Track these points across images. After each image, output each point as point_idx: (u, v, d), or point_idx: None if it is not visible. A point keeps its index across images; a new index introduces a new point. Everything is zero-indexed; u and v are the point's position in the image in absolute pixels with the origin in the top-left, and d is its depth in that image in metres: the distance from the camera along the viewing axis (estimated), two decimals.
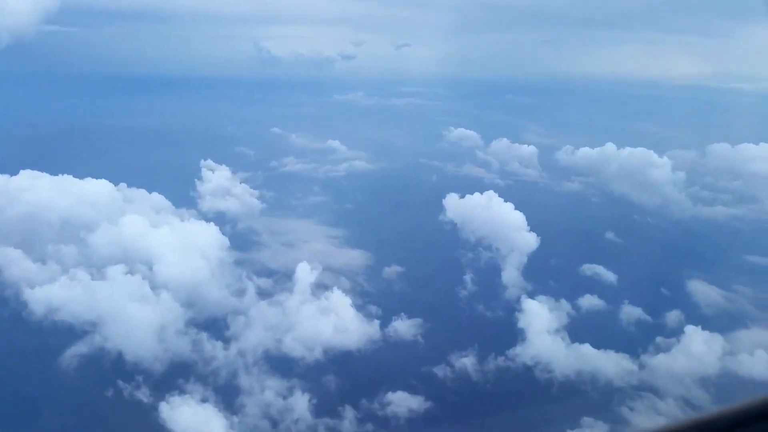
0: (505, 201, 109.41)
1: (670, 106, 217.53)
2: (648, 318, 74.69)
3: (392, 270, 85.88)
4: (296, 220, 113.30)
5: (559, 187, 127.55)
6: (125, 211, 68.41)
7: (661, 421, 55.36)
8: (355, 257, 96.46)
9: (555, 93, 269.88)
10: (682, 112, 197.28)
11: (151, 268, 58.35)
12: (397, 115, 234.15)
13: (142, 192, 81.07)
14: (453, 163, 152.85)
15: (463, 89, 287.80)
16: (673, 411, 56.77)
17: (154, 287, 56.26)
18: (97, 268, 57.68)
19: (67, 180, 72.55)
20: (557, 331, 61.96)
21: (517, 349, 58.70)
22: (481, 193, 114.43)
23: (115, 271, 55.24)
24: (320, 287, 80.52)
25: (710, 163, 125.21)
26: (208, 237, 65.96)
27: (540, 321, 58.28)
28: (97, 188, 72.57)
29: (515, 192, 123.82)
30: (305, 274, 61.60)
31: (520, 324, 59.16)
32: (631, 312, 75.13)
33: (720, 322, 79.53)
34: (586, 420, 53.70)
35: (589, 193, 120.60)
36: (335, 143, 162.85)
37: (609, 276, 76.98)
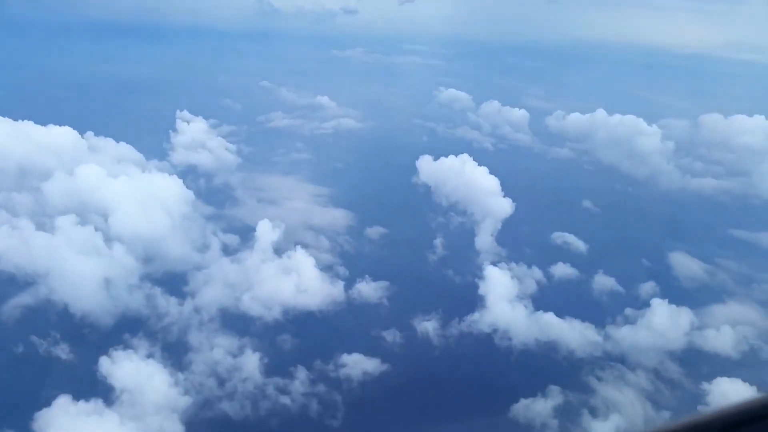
0: (493, 165, 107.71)
1: (672, 74, 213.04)
2: (620, 289, 73.83)
3: (375, 231, 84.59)
4: (278, 177, 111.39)
5: (546, 153, 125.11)
6: (88, 160, 66.32)
7: (627, 392, 54.96)
8: (338, 217, 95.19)
9: (559, 56, 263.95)
10: (683, 81, 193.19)
11: (106, 220, 56.84)
12: (395, 73, 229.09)
13: (109, 141, 78.83)
14: (444, 124, 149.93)
15: (466, 49, 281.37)
16: (640, 382, 56.32)
17: (108, 239, 54.89)
18: (49, 218, 56.07)
19: (27, 126, 70.24)
20: (520, 298, 61.05)
21: (480, 316, 57.78)
22: (472, 157, 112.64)
23: (65, 221, 53.71)
24: (298, 245, 79.88)
25: (702, 134, 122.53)
26: (171, 190, 64.14)
27: (501, 288, 57.17)
28: (59, 136, 70.30)
29: (501, 156, 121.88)
30: (266, 231, 60.01)
31: (481, 291, 58.03)
32: (604, 282, 74.19)
33: (697, 296, 78.72)
34: (553, 388, 53.32)
35: (575, 160, 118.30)
36: (324, 99, 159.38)
37: (579, 245, 75.58)
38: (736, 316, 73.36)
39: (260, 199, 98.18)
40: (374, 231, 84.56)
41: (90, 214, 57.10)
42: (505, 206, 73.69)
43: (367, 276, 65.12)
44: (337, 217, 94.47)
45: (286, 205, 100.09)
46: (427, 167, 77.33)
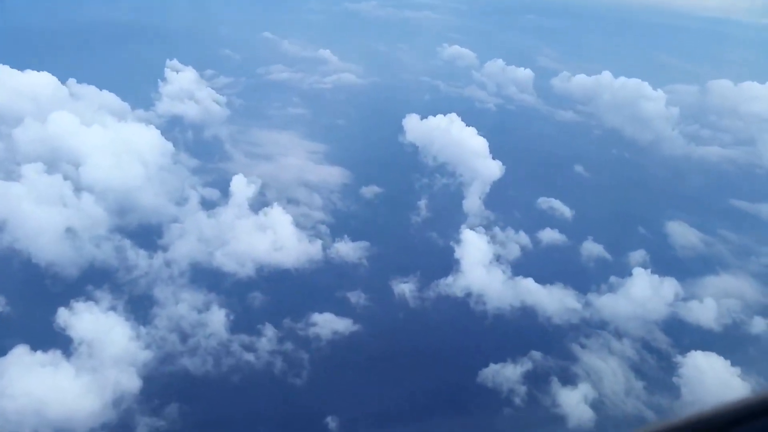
0: (492, 126, 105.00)
1: (689, 37, 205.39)
2: (608, 256, 72.43)
3: (370, 190, 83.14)
4: (272, 132, 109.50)
5: (550, 116, 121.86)
6: (67, 108, 64.74)
7: (599, 361, 54.24)
8: (333, 174, 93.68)
9: (577, 16, 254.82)
10: (699, 45, 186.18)
11: (77, 169, 55.72)
12: (403, 28, 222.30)
13: (92, 89, 76.96)
14: (447, 82, 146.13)
15: (484, 6, 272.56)
16: (614, 352, 55.53)
17: (78, 189, 53.90)
18: (17, 165, 54.96)
19: (2, 71, 68.32)
20: (500, 263, 59.88)
21: (456, 280, 56.75)
22: (472, 117, 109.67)
23: (31, 169, 52.64)
24: (291, 202, 78.78)
25: (710, 100, 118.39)
26: (149, 141, 62.64)
27: (477, 252, 55.90)
28: (37, 81, 68.48)
29: (502, 117, 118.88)
30: (241, 187, 58.70)
31: (457, 254, 56.79)
32: (591, 249, 72.78)
33: (691, 267, 77.29)
34: (535, 354, 52.65)
35: (578, 123, 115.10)
36: (326, 53, 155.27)
37: (565, 211, 73.75)
38: (727, 288, 71.96)
39: (251, 153, 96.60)
40: (369, 190, 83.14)
41: (61, 162, 56.10)
42: (494, 169, 71.67)
43: (346, 236, 64.01)
44: (332, 175, 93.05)
45: (280, 161, 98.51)
46: (415, 126, 75.00)
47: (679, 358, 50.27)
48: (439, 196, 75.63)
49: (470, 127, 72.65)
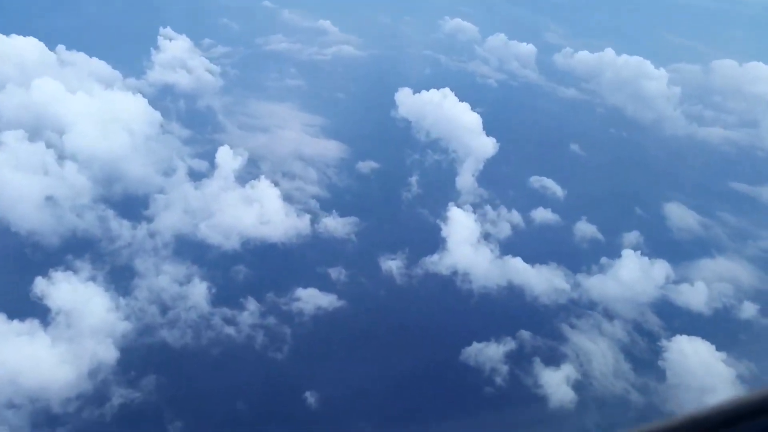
0: (491, 102, 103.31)
1: (692, 15, 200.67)
2: (601, 237, 71.70)
3: (367, 165, 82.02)
4: (268, 103, 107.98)
5: (551, 93, 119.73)
6: (54, 75, 63.40)
7: (583, 342, 53.90)
8: (329, 148, 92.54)
9: None
10: (702, 23, 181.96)
11: (60, 137, 54.78)
12: (406, 0, 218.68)
13: (82, 56, 75.45)
14: (449, 56, 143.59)
15: None
16: (599, 333, 55.12)
17: (62, 157, 53.08)
18: None
19: None
20: (488, 242, 59.24)
21: (443, 258, 56.15)
22: (474, 92, 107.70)
23: (12, 136, 51.70)
24: (285, 176, 77.90)
25: (713, 80, 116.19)
26: (136, 110, 61.49)
27: (464, 231, 55.14)
28: (23, 47, 66.98)
29: (503, 93, 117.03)
30: (227, 159, 57.76)
31: (444, 233, 56.08)
32: (585, 229, 71.99)
33: (686, 249, 76.70)
34: (521, 334, 52.31)
35: (579, 101, 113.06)
36: (327, 24, 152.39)
37: (557, 190, 72.69)
38: (721, 272, 71.43)
39: (246, 125, 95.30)
40: (366, 165, 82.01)
41: (44, 130, 55.13)
42: (488, 145, 70.47)
43: (335, 211, 63.29)
44: (329, 149, 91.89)
45: (276, 133, 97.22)
46: (408, 100, 73.52)
47: (663, 342, 49.82)
48: (431, 172, 74.66)
49: (464, 103, 71.05)
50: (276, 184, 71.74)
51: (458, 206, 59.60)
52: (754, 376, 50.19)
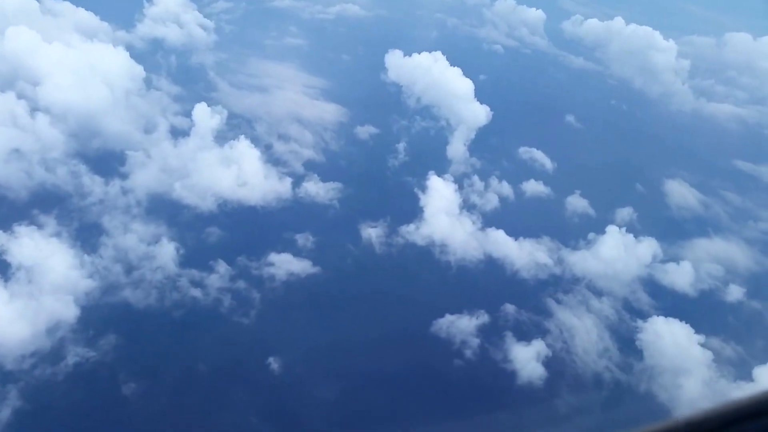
0: (493, 69, 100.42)
1: None
2: (592, 212, 70.04)
3: (365, 130, 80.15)
4: (265, 62, 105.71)
5: (556, 61, 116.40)
6: (35, 23, 61.53)
7: (558, 319, 52.81)
8: (328, 111, 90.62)
9: None
10: None
11: (34, 88, 53.40)
12: None
13: (67, 5, 73.40)
14: (460, 20, 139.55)
15: None
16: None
17: (34, 109, 51.83)
18: None
19: None
20: (472, 213, 57.84)
21: (424, 228, 54.90)
22: (478, 57, 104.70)
23: None
24: (281, 138, 76.39)
25: (727, 54, 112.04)
26: (117, 64, 59.82)
27: (444, 202, 53.72)
28: None
29: (507, 60, 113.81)
30: (204, 117, 56.23)
31: (423, 202, 54.68)
32: (576, 204, 70.36)
33: (682, 227, 75.02)
34: (509, 307, 51.40)
35: (585, 70, 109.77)
36: None
37: (546, 162, 70.64)
38: (716, 253, 69.84)
39: (242, 84, 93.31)
40: (365, 130, 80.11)
41: (16, 81, 53.76)
42: (481, 113, 68.32)
43: (319, 176, 61.97)
44: (328, 112, 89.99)
45: (273, 93, 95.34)
46: (398, 64, 71.10)
47: (639, 322, 48.73)
48: (421, 139, 72.83)
49: (455, 68, 68.57)
50: (270, 146, 70.81)
51: (439, 176, 57.81)
52: (731, 360, 49.20)
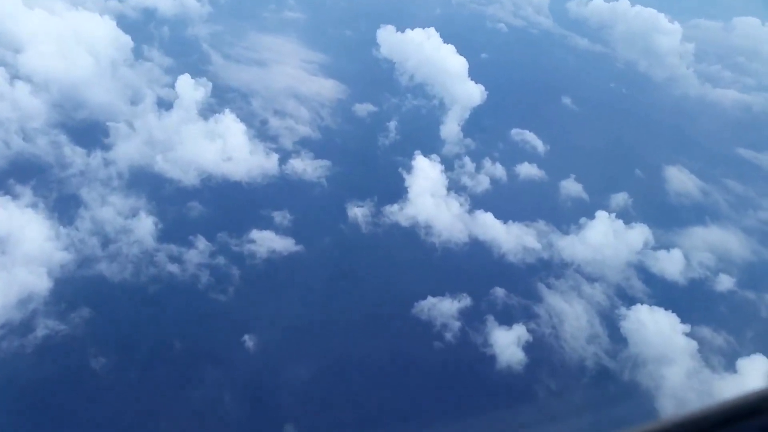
0: (497, 48, 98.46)
1: None
2: (585, 197, 68.91)
3: (364, 108, 78.78)
4: (262, 35, 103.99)
5: (560, 41, 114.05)
6: None
7: (545, 305, 52.12)
8: (326, 87, 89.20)
9: None
10: None
11: (15, 56, 52.35)
12: None
13: None
14: None
15: None
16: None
17: (14, 77, 50.82)
18: None
19: None
20: (460, 195, 56.84)
21: (409, 209, 53.99)
22: (483, 35, 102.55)
23: None
24: (276, 114, 75.21)
25: (734, 39, 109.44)
26: (103, 33, 58.56)
27: (428, 182, 52.68)
28: None
29: (511, 38, 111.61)
30: (188, 89, 55.10)
31: (408, 183, 53.69)
32: (570, 188, 69.22)
33: (679, 215, 73.90)
34: (499, 290, 50.71)
35: (585, 52, 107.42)
36: None
37: (538, 144, 69.21)
38: (711, 241, 68.78)
39: (238, 57, 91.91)
40: (363, 108, 78.77)
41: None
42: (475, 93, 66.85)
43: (303, 152, 60.96)
44: (326, 88, 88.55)
45: (270, 67, 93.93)
46: (390, 39, 69.41)
47: (623, 310, 47.97)
48: (414, 118, 71.52)
49: (453, 46, 66.85)
50: (265, 121, 69.76)
51: (426, 156, 56.68)
52: (717, 350, 48.51)
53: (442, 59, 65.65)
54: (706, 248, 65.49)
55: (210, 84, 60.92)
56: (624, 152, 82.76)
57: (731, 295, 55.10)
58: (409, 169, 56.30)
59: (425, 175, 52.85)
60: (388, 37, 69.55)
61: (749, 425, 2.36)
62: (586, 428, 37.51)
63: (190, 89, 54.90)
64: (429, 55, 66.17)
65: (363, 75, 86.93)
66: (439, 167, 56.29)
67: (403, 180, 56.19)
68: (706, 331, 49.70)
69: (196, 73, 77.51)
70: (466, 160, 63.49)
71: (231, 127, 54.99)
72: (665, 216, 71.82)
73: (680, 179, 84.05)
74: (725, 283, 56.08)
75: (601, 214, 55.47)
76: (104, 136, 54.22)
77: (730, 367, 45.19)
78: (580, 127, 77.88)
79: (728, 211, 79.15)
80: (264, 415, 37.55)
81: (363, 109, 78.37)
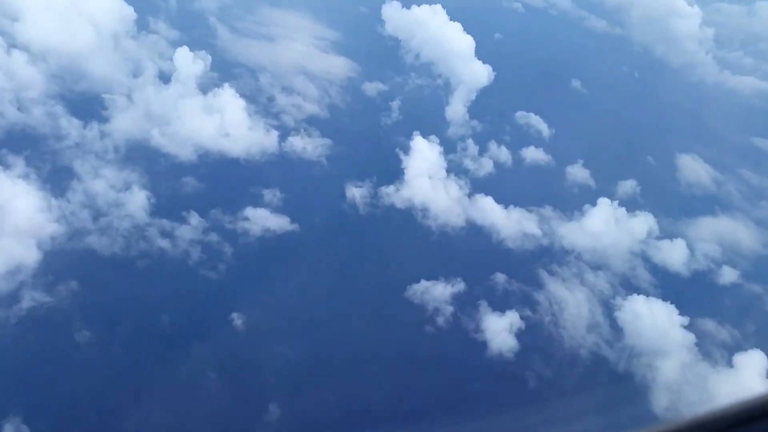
0: (510, 28, 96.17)
1: None
2: (592, 183, 67.44)
3: (374, 87, 77.49)
4: (276, 10, 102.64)
5: (577, 23, 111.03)
6: None
7: (544, 292, 51.24)
8: (337, 65, 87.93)
9: None
10: None
11: (13, 24, 51.86)
12: None
13: None
14: None
15: None
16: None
17: (11, 46, 50.45)
18: None
19: None
20: (460, 178, 55.84)
21: (406, 191, 53.14)
22: (496, 16, 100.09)
23: None
24: (284, 90, 74.34)
25: (757, 24, 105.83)
26: (105, 3, 57.76)
27: (426, 164, 51.69)
28: None
29: (525, 19, 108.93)
30: (186, 62, 54.33)
31: (406, 164, 52.74)
32: (576, 174, 67.78)
33: (689, 204, 72.26)
34: (495, 276, 50.00)
35: (604, 34, 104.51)
36: None
37: (543, 128, 67.56)
38: (722, 232, 67.22)
39: (247, 31, 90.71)
40: (373, 87, 77.48)
41: None
42: (484, 74, 65.31)
43: (303, 130, 60.15)
44: (337, 66, 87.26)
45: (281, 43, 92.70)
46: (396, 16, 67.75)
47: (618, 300, 46.99)
48: (421, 99, 70.22)
49: (455, 22, 64.97)
50: (272, 98, 68.98)
51: (425, 137, 55.56)
52: (715, 344, 47.43)
53: (449, 38, 63.98)
54: (713, 239, 63.96)
55: (209, 57, 60.14)
56: (635, 139, 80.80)
57: (734, 288, 53.80)
58: (407, 150, 55.19)
59: (423, 157, 51.75)
60: (393, 14, 67.85)
61: (760, 427, 2.30)
62: (571, 418, 36.94)
63: (188, 62, 54.14)
64: (435, 33, 64.51)
65: (376, 53, 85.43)
66: (438, 149, 55.19)
67: (400, 161, 55.12)
68: (705, 324, 48.60)
69: (203, 46, 76.91)
70: (469, 142, 62.33)
71: (230, 102, 54.30)
72: (675, 205, 70.31)
73: (693, 168, 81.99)
74: (729, 275, 54.73)
75: (604, 201, 54.03)
76: (102, 108, 53.84)
77: (727, 362, 44.21)
78: (590, 112, 76.00)
79: (741, 202, 77.23)
80: (247, 394, 37.43)
81: (373, 88, 77.11)
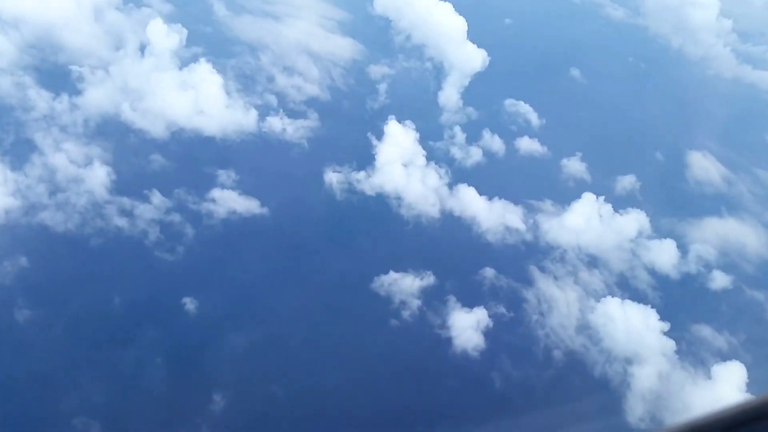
0: (510, 11, 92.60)
1: None
2: (587, 178, 64.51)
3: (379, 70, 75.18)
4: None
5: (592, 9, 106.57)
6: None
7: (530, 290, 49.05)
8: (341, 47, 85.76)
9: None
10: None
11: None
12: None
13: None
14: None
15: None
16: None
17: None
18: None
19: None
20: (440, 167, 53.57)
21: (379, 178, 51.08)
22: (515, 3, 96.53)
23: None
24: (285, 70, 72.60)
25: None
26: None
27: (399, 150, 49.48)
28: None
29: (537, 4, 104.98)
30: (160, 36, 52.66)
31: (375, 150, 50.59)
32: (572, 167, 64.87)
33: (694, 203, 68.93)
34: (489, 270, 48.00)
35: (622, 22, 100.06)
36: None
37: (533, 117, 64.61)
38: (724, 234, 63.92)
39: (248, 8, 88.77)
40: (378, 70, 75.14)
41: None
42: (479, 60, 62.60)
43: (282, 111, 58.30)
44: (341, 48, 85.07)
45: (285, 21, 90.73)
46: None
47: (592, 302, 44.58)
48: (420, 83, 67.75)
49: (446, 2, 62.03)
50: (272, 78, 67.27)
51: (400, 122, 53.23)
52: (695, 353, 44.85)
53: (443, 22, 61.32)
54: (712, 242, 60.79)
55: (185, 31, 58.15)
56: (641, 133, 77.28)
57: (724, 294, 50.86)
58: (380, 135, 52.98)
59: (395, 143, 49.49)
60: None
61: (752, 430, 2.29)
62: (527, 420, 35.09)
63: (161, 36, 52.51)
64: (429, 16, 61.91)
65: (382, 35, 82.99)
66: (414, 135, 52.82)
67: (372, 147, 52.91)
68: (688, 331, 46.04)
69: (200, 22, 75.48)
70: (457, 129, 59.74)
71: (207, 78, 52.59)
72: (677, 204, 67.15)
73: (703, 166, 78.20)
74: (719, 280, 51.71)
75: (588, 196, 51.24)
76: (78, 81, 52.58)
77: (705, 372, 41.77)
78: (593, 103, 72.66)
79: (752, 203, 73.45)
80: (191, 381, 36.22)
81: (378, 71, 74.75)
